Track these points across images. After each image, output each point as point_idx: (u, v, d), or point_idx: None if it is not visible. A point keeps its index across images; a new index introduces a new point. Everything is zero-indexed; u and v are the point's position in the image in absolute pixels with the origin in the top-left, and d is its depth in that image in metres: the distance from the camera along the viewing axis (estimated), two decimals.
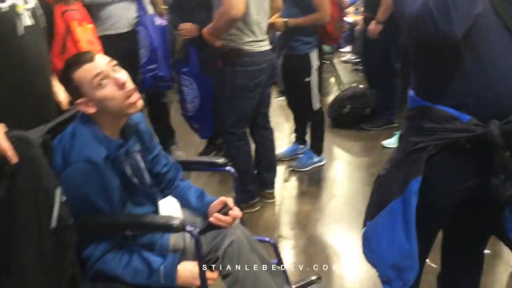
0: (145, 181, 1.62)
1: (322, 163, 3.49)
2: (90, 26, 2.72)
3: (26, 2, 1.65)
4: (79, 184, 1.43)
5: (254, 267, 1.55)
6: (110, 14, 3.04)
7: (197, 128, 3.36)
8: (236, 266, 1.52)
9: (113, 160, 1.48)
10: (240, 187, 2.57)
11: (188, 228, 1.43)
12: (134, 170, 1.56)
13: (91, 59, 1.46)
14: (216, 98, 2.84)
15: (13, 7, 1.58)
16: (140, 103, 1.51)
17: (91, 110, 1.45)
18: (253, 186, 2.87)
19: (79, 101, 1.46)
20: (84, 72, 1.45)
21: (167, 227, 1.47)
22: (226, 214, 1.58)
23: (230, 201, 1.62)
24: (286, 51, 3.14)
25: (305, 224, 2.75)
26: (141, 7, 3.11)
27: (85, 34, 2.66)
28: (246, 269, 1.53)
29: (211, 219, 1.58)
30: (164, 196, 1.74)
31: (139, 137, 1.65)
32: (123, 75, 1.48)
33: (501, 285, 2.15)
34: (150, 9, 3.21)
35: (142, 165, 1.61)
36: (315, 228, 2.70)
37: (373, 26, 3.75)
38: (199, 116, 3.23)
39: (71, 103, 1.78)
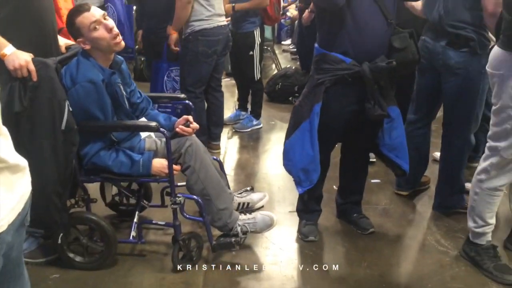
0: (126, 105, 2.21)
1: (259, 126, 4.18)
2: None
3: None
4: (83, 97, 2.00)
5: (206, 163, 2.20)
6: None
7: None
8: (194, 160, 2.16)
9: (107, 83, 2.07)
10: None
11: (161, 129, 2.05)
12: (119, 94, 2.16)
13: (88, 9, 2.05)
14: (180, 63, 3.44)
15: None
16: (122, 43, 2.11)
17: (87, 46, 2.04)
18: (204, 137, 3.47)
19: (78, 39, 2.04)
20: (83, 18, 2.03)
21: (147, 128, 2.09)
22: (188, 126, 2.22)
23: (190, 117, 2.26)
24: (235, 29, 3.81)
25: (244, 166, 3.43)
26: None
27: (66, 3, 3.18)
28: (200, 163, 2.17)
29: (177, 129, 2.21)
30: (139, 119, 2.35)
31: (121, 73, 2.24)
32: (111, 22, 2.08)
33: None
34: None
35: (124, 92, 2.21)
36: (252, 168, 3.39)
37: (306, 15, 4.47)
38: None
39: (66, 48, 2.35)
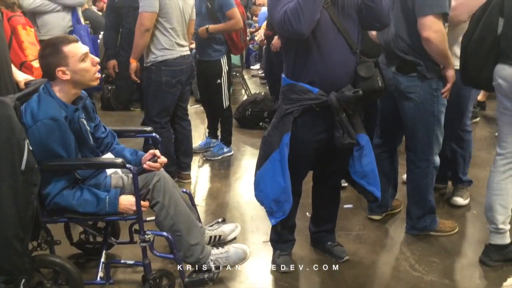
0: (90, 141, 2.15)
1: (230, 153, 4.14)
2: (33, 30, 3.18)
3: None
4: (45, 135, 1.93)
5: (176, 197, 2.14)
6: (46, 22, 3.51)
7: None
8: (162, 196, 2.10)
9: (70, 120, 2.01)
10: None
11: (128, 165, 1.99)
12: (82, 131, 2.09)
13: (77, 41, 2.04)
14: (143, 93, 3.39)
15: None
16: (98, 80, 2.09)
17: (66, 77, 1.98)
18: (173, 168, 3.42)
19: (59, 68, 1.97)
20: (74, 48, 2.00)
21: (112, 165, 2.03)
22: (155, 162, 2.17)
23: (157, 152, 2.20)
24: (201, 57, 3.80)
25: (215, 195, 3.37)
26: (75, 17, 3.61)
27: (28, 37, 3.11)
28: (169, 198, 2.11)
29: (144, 166, 2.16)
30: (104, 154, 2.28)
31: (85, 108, 2.18)
32: (96, 58, 2.08)
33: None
34: (82, 21, 3.72)
35: (87, 128, 2.15)
36: (223, 197, 3.33)
37: (275, 41, 4.51)
38: None
39: (25, 84, 2.29)
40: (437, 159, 2.63)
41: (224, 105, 3.96)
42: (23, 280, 2.00)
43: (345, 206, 3.05)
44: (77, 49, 2.01)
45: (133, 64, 3.28)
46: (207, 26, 3.64)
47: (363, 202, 2.95)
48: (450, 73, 2.43)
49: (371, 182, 2.31)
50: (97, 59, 2.09)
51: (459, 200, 3.09)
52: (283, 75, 2.22)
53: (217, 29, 3.67)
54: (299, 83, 2.13)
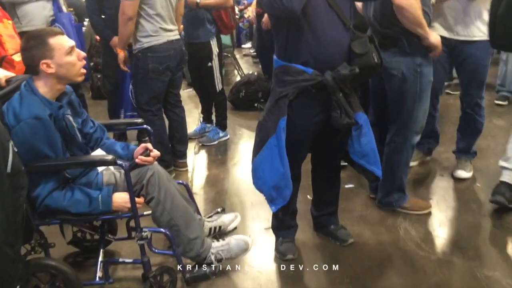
0: (78, 137, 2.06)
1: (226, 137, 4.05)
2: (10, 22, 3.04)
3: None
4: (30, 135, 1.83)
5: (172, 191, 2.06)
6: (26, 12, 3.36)
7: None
8: (157, 191, 2.02)
9: (54, 118, 1.91)
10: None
11: (119, 162, 1.91)
12: (69, 128, 2.00)
13: (63, 33, 1.95)
14: (132, 81, 3.28)
15: None
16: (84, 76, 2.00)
17: (51, 70, 1.87)
18: (168, 156, 3.33)
19: (44, 61, 1.86)
20: (60, 40, 1.90)
21: (103, 162, 1.94)
22: (148, 155, 2.08)
23: (149, 145, 2.11)
24: (189, 39, 3.67)
25: (213, 182, 3.29)
26: (56, 6, 3.46)
27: (6, 29, 2.97)
28: (165, 193, 2.03)
29: (136, 160, 2.06)
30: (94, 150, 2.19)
31: (70, 103, 2.08)
32: (83, 52, 1.98)
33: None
34: (64, 9, 3.57)
35: (74, 124, 2.05)
36: (222, 184, 3.26)
37: (265, 18, 4.37)
38: None
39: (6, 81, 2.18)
40: (415, 138, 2.56)
41: (218, 88, 3.84)
42: (18, 286, 1.94)
43: (346, 186, 2.98)
44: (64, 41, 1.91)
45: (121, 54, 3.16)
46: (198, 0, 3.49)
47: (364, 181, 2.88)
48: (431, 40, 2.33)
49: (371, 161, 2.23)
50: (83, 54, 1.99)
51: (462, 173, 3.03)
52: (275, 57, 2.12)
53: (208, 3, 3.53)
54: (293, 64, 2.02)
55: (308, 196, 2.70)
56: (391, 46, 2.37)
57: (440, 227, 2.53)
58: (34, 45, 1.89)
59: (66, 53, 1.90)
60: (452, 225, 2.56)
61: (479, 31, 2.73)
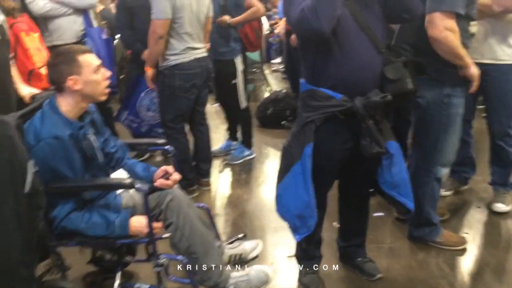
0: (99, 158, 2.01)
1: (252, 156, 3.97)
2: (37, 34, 3.06)
3: None
4: (49, 156, 1.80)
5: (191, 217, 1.99)
6: (58, 26, 3.39)
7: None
8: (176, 216, 1.95)
9: (75, 138, 1.87)
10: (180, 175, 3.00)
11: (137, 185, 1.85)
12: (90, 148, 1.96)
13: (91, 51, 1.94)
14: (158, 98, 3.25)
15: None
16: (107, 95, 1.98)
17: (77, 87, 1.85)
18: (191, 175, 3.28)
19: (71, 77, 1.85)
20: (89, 58, 1.90)
21: (120, 185, 1.88)
22: (167, 179, 2.02)
23: (170, 168, 2.05)
24: (215, 56, 3.62)
25: (236, 203, 3.21)
26: (87, 21, 3.48)
27: (33, 43, 2.99)
28: (184, 218, 1.96)
29: (156, 183, 2.01)
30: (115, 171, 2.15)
31: (93, 122, 2.05)
32: (108, 72, 1.98)
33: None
34: (95, 24, 3.60)
35: (96, 144, 2.01)
36: (245, 206, 3.17)
37: (294, 37, 4.30)
38: None
39: (32, 98, 2.17)
40: (441, 171, 2.41)
41: (241, 106, 3.78)
42: None
43: (375, 214, 2.84)
44: (92, 59, 1.90)
45: (149, 72, 3.13)
46: (228, 18, 3.46)
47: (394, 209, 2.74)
48: (470, 72, 2.20)
49: (402, 192, 2.09)
50: (109, 73, 1.97)
51: (501, 207, 2.84)
52: (301, 80, 2.03)
53: (238, 20, 3.50)
54: (320, 89, 1.93)
55: (334, 224, 2.58)
56: (420, 73, 2.25)
57: (477, 266, 2.36)
58: (62, 60, 1.87)
59: (94, 71, 1.89)
60: (490, 264, 2.38)
61: (505, 54, 2.58)
